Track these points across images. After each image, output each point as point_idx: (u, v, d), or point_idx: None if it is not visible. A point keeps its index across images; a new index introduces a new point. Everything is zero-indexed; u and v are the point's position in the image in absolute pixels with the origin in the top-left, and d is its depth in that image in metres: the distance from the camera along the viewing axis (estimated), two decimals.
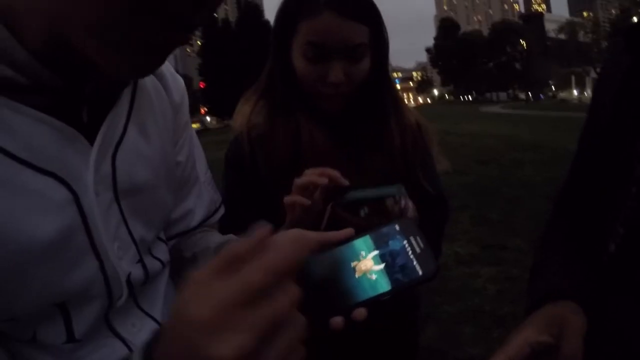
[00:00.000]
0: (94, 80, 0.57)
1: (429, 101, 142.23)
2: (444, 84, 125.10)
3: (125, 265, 0.64)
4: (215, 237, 0.88)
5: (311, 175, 0.91)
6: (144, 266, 0.69)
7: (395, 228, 0.58)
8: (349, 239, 0.58)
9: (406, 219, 0.61)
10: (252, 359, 0.36)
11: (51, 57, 0.52)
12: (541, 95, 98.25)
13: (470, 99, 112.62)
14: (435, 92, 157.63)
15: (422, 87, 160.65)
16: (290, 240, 0.59)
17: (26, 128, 0.52)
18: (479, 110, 44.44)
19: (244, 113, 1.15)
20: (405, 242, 0.56)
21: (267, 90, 1.15)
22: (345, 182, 0.90)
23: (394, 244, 0.56)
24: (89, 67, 0.52)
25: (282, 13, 1.10)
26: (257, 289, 0.37)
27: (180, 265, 0.84)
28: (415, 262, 0.54)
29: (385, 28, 1.12)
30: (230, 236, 0.87)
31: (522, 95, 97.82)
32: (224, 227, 0.95)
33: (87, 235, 0.59)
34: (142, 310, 0.69)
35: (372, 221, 0.88)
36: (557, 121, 21.15)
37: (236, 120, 1.17)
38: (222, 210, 0.95)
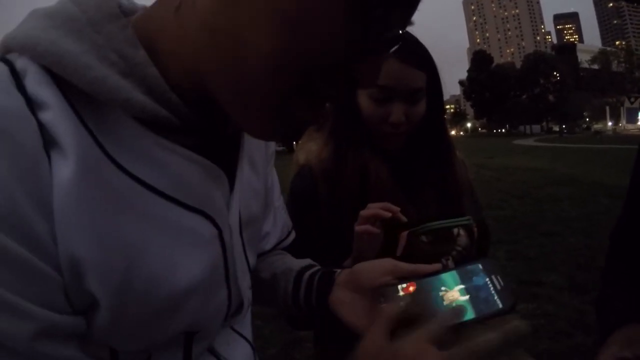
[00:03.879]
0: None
1: (462, 134, 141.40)
2: (477, 116, 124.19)
3: (247, 292, 0.70)
4: (294, 260, 0.94)
5: (376, 209, 0.99)
6: (252, 290, 0.76)
7: (479, 267, 0.67)
8: (437, 273, 0.67)
9: (488, 259, 0.69)
10: None
11: (196, 99, 0.53)
12: (577, 129, 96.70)
13: (504, 131, 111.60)
14: (469, 124, 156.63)
15: (455, 120, 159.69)
16: (385, 270, 0.72)
17: (177, 166, 0.53)
18: (512, 143, 44.00)
19: (309, 149, 1.24)
20: (487, 279, 0.64)
21: (335, 129, 1.23)
22: (404, 219, 1.00)
23: (478, 280, 0.64)
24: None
25: None
26: None
27: (257, 285, 0.87)
28: (496, 297, 0.61)
29: (439, 74, 1.20)
30: (308, 260, 0.93)
31: (556, 128, 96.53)
32: (292, 252, 1.03)
33: (224, 267, 0.63)
34: (234, 330, 0.76)
35: (432, 248, 1.00)
36: (591, 154, 20.85)
37: (300, 156, 1.25)
38: (293, 235, 1.00)
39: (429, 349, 0.54)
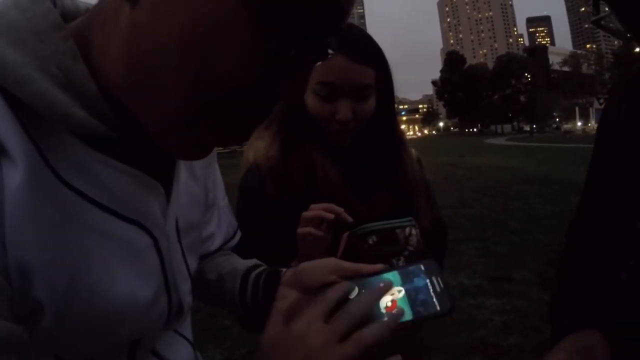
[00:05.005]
0: None
1: (434, 133, 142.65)
2: (449, 116, 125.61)
3: (187, 297, 0.70)
4: (240, 260, 0.93)
5: (318, 210, 0.97)
6: (200, 291, 0.76)
7: (420, 268, 0.66)
8: (379, 272, 0.66)
9: (431, 261, 0.68)
10: None
11: (130, 112, 0.52)
12: (547, 129, 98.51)
13: (475, 131, 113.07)
14: (441, 124, 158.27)
15: (428, 119, 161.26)
16: (329, 270, 0.69)
17: (113, 179, 0.53)
18: (484, 142, 44.66)
19: (258, 147, 1.20)
20: (427, 280, 0.64)
21: (281, 126, 1.20)
22: (349, 219, 0.98)
23: (418, 282, 0.64)
24: None
25: None
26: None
27: (204, 286, 0.90)
28: (434, 299, 0.61)
29: (390, 71, 1.18)
30: (255, 260, 0.92)
31: (527, 127, 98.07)
32: (239, 253, 1.00)
33: (163, 275, 0.62)
34: (175, 331, 0.76)
35: (380, 249, 0.96)
36: (561, 153, 21.25)
37: (249, 154, 1.22)
38: (239, 235, 0.99)
39: (319, 323, 0.56)
